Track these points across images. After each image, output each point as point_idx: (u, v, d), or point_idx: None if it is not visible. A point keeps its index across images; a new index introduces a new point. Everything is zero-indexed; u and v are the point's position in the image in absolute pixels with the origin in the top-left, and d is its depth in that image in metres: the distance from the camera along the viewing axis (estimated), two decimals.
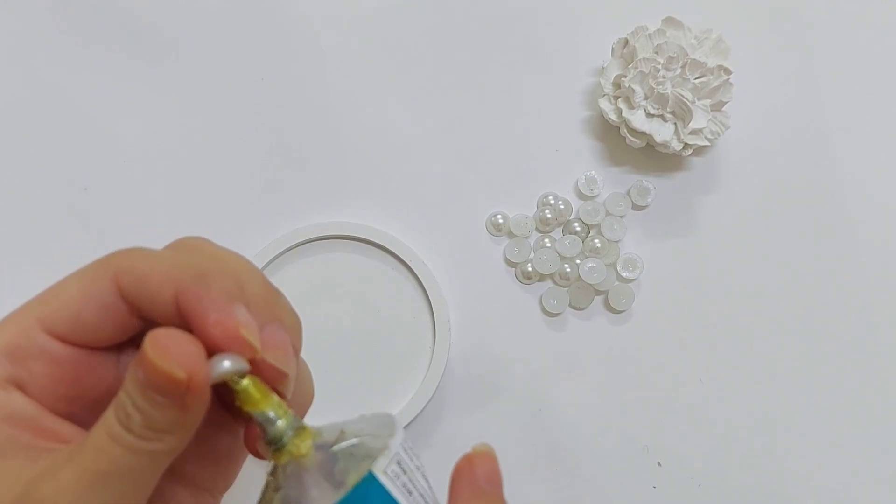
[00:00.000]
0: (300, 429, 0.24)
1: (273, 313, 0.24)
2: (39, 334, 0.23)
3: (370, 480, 0.23)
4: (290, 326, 0.25)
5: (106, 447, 0.21)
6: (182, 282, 0.22)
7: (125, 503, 0.22)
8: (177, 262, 0.23)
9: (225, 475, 0.27)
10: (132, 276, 0.23)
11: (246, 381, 0.23)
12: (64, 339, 0.24)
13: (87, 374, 0.24)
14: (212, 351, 0.22)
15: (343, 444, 0.24)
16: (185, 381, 0.21)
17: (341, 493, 0.23)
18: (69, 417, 0.24)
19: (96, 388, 0.25)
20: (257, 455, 0.25)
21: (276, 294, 0.25)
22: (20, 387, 0.23)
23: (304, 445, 0.24)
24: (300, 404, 0.26)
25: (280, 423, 0.24)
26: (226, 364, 0.22)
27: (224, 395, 0.24)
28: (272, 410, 0.24)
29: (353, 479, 0.23)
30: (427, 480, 0.25)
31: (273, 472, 0.24)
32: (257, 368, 0.23)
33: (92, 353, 0.24)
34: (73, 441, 0.23)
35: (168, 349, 0.21)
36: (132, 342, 0.25)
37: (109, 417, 0.22)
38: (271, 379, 0.23)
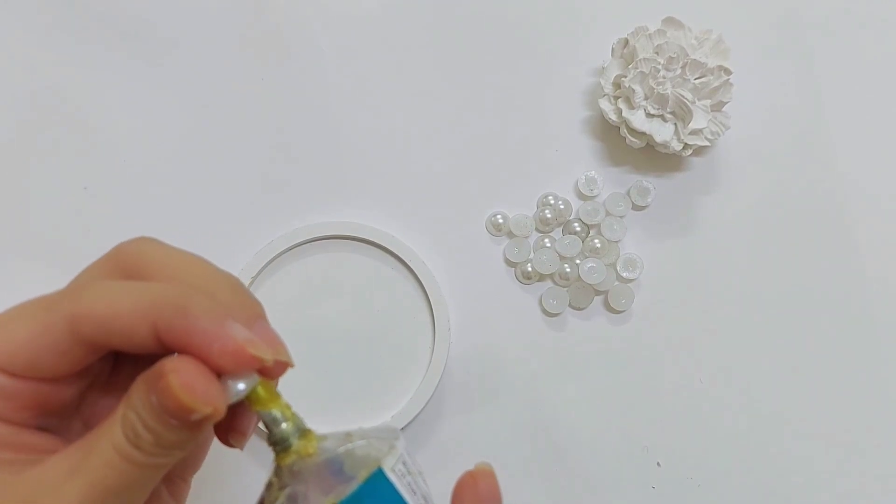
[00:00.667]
0: (305, 431, 0.25)
1: (252, 311, 0.24)
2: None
3: (379, 476, 0.23)
4: (265, 316, 0.25)
5: (115, 463, 0.22)
6: (160, 317, 0.22)
7: None
8: (142, 295, 0.22)
9: (195, 460, 0.28)
10: (93, 321, 0.22)
11: (259, 384, 0.24)
12: (20, 377, 0.23)
13: (51, 397, 0.24)
14: (219, 372, 0.22)
15: (350, 446, 0.25)
16: (210, 415, 0.21)
17: (351, 488, 0.23)
18: (39, 428, 0.24)
19: (63, 402, 0.25)
20: (226, 443, 0.26)
21: (242, 287, 0.25)
22: None
23: (311, 445, 0.24)
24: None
25: (286, 426, 0.24)
26: (241, 388, 0.23)
27: None
28: (279, 411, 0.24)
29: (362, 474, 0.23)
30: (427, 485, 0.26)
31: (277, 473, 0.25)
32: (264, 368, 0.23)
33: (54, 380, 0.24)
34: (55, 451, 0.23)
35: (194, 388, 0.21)
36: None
37: (116, 434, 0.22)
38: (275, 372, 0.24)
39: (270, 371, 0.24)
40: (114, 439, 0.22)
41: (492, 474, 0.27)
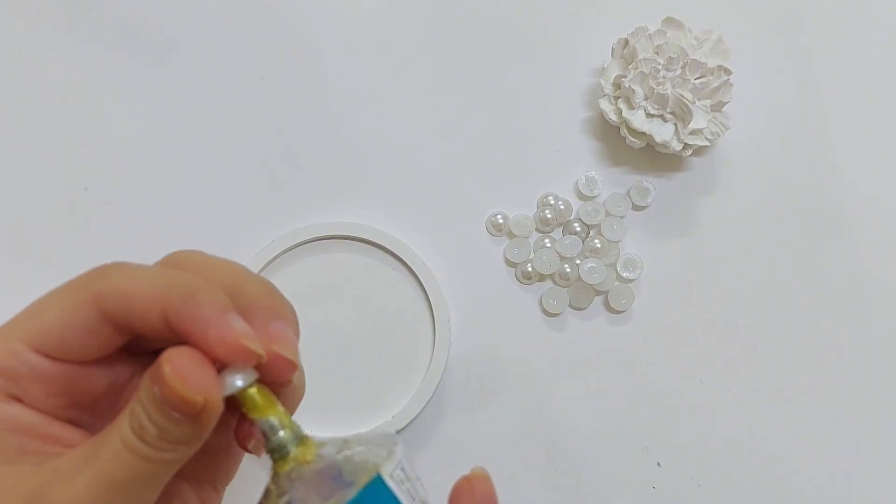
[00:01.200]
0: (303, 438, 0.24)
1: (276, 310, 0.25)
2: (29, 354, 0.24)
3: (378, 482, 0.23)
4: (291, 319, 0.26)
5: (121, 456, 0.22)
6: (170, 301, 0.23)
7: None
8: (160, 279, 0.23)
9: (226, 469, 0.28)
10: (114, 298, 0.23)
11: (252, 390, 0.24)
12: (53, 358, 0.24)
13: (81, 384, 0.25)
14: (217, 363, 0.23)
15: (348, 452, 0.24)
16: (203, 404, 0.22)
17: (350, 494, 0.23)
18: (70, 422, 0.25)
19: (92, 393, 0.25)
20: (245, 449, 0.26)
21: (273, 291, 0.26)
22: (19, 401, 0.24)
23: (309, 452, 0.24)
24: (291, 397, 0.26)
25: (284, 433, 0.24)
26: (238, 382, 0.23)
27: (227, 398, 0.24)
28: (277, 419, 0.24)
29: (362, 480, 0.23)
30: (425, 490, 0.26)
31: (275, 480, 0.24)
32: (269, 363, 0.23)
33: (83, 365, 0.25)
34: (78, 444, 0.24)
35: (187, 376, 0.22)
36: (124, 348, 0.25)
37: (124, 427, 0.22)
38: (283, 371, 0.24)
39: (276, 364, 0.24)
40: (122, 432, 0.22)
41: (487, 478, 0.27)
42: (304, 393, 0.27)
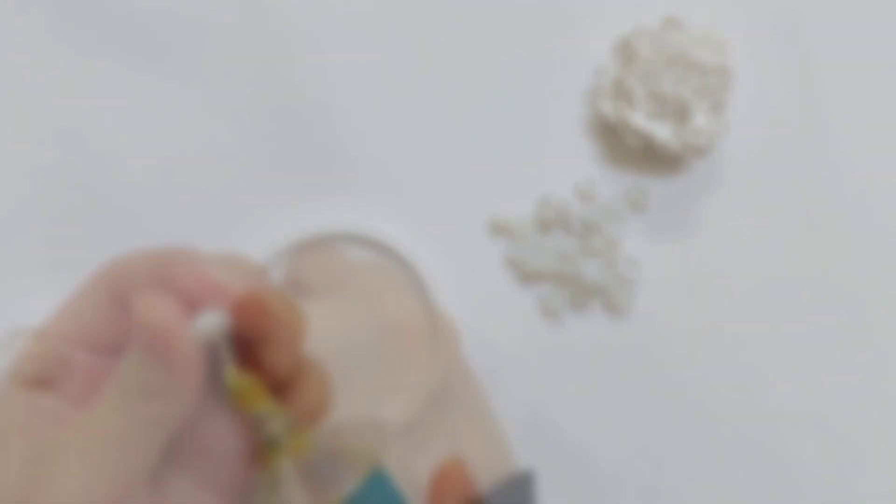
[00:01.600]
0: (296, 430, 0.24)
1: (258, 276, 0.27)
2: (66, 347, 0.25)
3: (377, 473, 0.23)
4: (273, 289, 0.27)
5: (107, 414, 0.23)
6: (159, 259, 0.24)
7: (124, 469, 0.23)
8: (154, 250, 0.25)
9: (233, 473, 0.27)
10: (119, 275, 0.25)
11: (245, 382, 0.23)
12: (87, 349, 0.25)
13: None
14: (190, 302, 0.23)
15: (344, 443, 0.24)
16: (173, 336, 0.22)
17: (349, 486, 0.23)
18: None
19: None
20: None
21: (260, 268, 0.27)
22: (55, 391, 0.25)
23: (303, 445, 0.24)
24: (313, 409, 0.26)
25: (275, 425, 0.24)
26: (209, 320, 0.23)
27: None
28: (268, 411, 0.24)
29: (360, 472, 0.23)
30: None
31: (267, 474, 0.24)
32: (244, 304, 0.24)
33: (115, 355, 0.25)
34: None
35: (155, 310, 0.23)
36: None
37: (110, 386, 0.23)
38: (257, 313, 0.24)
39: (249, 310, 0.24)
40: (108, 390, 0.23)
41: (463, 465, 0.27)
42: (326, 405, 0.26)
